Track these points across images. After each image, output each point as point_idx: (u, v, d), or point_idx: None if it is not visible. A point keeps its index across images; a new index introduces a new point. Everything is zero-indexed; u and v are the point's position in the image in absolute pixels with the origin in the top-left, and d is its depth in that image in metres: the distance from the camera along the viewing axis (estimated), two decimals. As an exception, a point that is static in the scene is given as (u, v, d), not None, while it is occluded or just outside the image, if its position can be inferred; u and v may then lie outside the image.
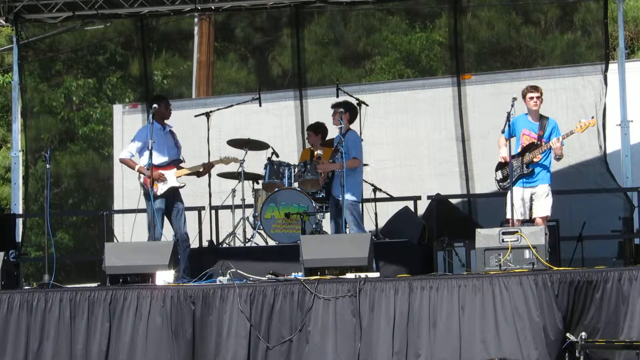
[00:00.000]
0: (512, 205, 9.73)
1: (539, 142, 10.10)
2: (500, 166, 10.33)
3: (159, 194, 10.71)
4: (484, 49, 19.70)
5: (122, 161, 10.99)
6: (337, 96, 11.84)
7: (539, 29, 20.41)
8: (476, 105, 13.51)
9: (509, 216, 9.98)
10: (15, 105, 13.76)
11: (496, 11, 19.65)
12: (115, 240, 13.04)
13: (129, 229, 14.13)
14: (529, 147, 10.08)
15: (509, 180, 10.11)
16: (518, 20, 20.17)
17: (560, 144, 10.04)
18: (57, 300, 9.30)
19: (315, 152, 11.18)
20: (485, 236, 9.15)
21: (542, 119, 10.21)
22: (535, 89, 10.22)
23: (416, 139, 13.85)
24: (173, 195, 10.83)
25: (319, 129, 12.10)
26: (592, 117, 10.19)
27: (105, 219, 13.07)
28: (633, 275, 8.49)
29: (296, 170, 11.68)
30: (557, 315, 8.44)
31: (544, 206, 10.08)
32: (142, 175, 10.77)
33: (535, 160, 10.07)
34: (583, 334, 8.35)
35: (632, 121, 12.02)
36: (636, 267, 9.18)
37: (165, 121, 11.03)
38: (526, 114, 10.25)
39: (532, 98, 10.17)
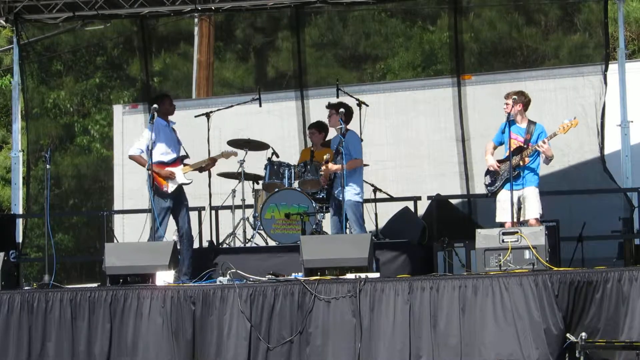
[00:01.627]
0: (512, 204, 9.74)
1: (525, 146, 10.08)
2: (489, 171, 10.33)
3: (169, 192, 10.67)
4: (485, 50, 19.69)
5: (132, 158, 10.83)
6: (337, 96, 11.84)
7: (540, 30, 20.40)
8: (476, 105, 13.50)
9: (499, 219, 9.99)
10: (16, 106, 13.78)
11: (497, 12, 19.63)
12: (115, 240, 13.04)
13: (129, 229, 14.18)
14: (516, 151, 10.05)
15: (496, 185, 10.14)
16: (519, 20, 20.16)
17: (548, 145, 9.99)
18: (57, 301, 9.32)
19: (325, 156, 11.12)
20: (485, 236, 9.15)
21: (529, 123, 10.20)
22: (506, 96, 10.20)
23: (416, 140, 13.85)
24: (180, 193, 10.84)
25: (322, 128, 12.11)
26: (575, 118, 10.11)
27: (105, 220, 13.07)
28: (633, 276, 8.50)
29: (296, 170, 11.68)
30: (558, 316, 8.44)
31: (533, 208, 10.04)
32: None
33: (522, 163, 10.06)
34: (583, 334, 8.35)
35: (632, 121, 12.02)
36: (636, 267, 9.18)
37: (170, 118, 11.01)
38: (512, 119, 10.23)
39: (504, 105, 10.15)
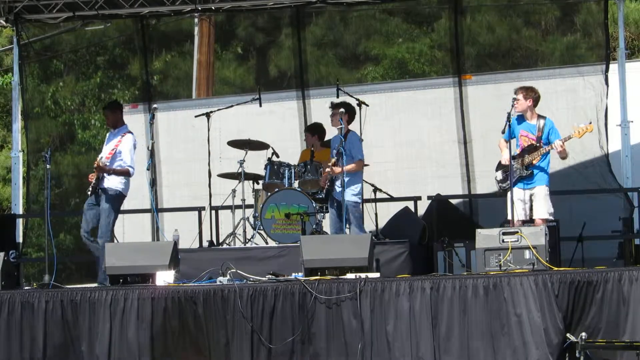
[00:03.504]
0: (513, 204, 9.73)
1: (538, 144, 10.08)
2: (501, 166, 10.32)
3: (89, 194, 10.93)
4: (484, 51, 19.68)
5: None
6: (338, 96, 11.83)
7: (539, 31, 20.40)
8: (477, 106, 13.50)
9: (510, 217, 9.99)
10: (16, 105, 13.79)
11: (496, 13, 19.62)
12: (115, 240, 13.03)
13: (129, 229, 14.18)
14: (529, 149, 10.05)
15: (508, 182, 10.12)
16: (518, 21, 20.15)
17: (564, 146, 10.02)
18: (57, 301, 9.31)
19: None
20: (486, 236, 9.15)
21: (539, 119, 10.19)
22: (516, 91, 10.21)
23: (418, 141, 13.83)
24: (100, 195, 10.90)
25: (315, 130, 12.11)
26: (590, 123, 10.13)
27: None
28: (633, 276, 8.50)
29: (296, 170, 11.68)
30: (558, 316, 8.44)
31: (543, 207, 10.06)
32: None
33: (534, 162, 10.06)
34: (583, 334, 8.35)
35: (632, 121, 12.03)
36: (636, 267, 9.18)
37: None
38: (521, 115, 10.22)
39: (512, 100, 10.15)
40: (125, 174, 10.91)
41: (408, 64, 20.76)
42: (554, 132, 10.10)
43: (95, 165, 10.78)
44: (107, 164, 10.80)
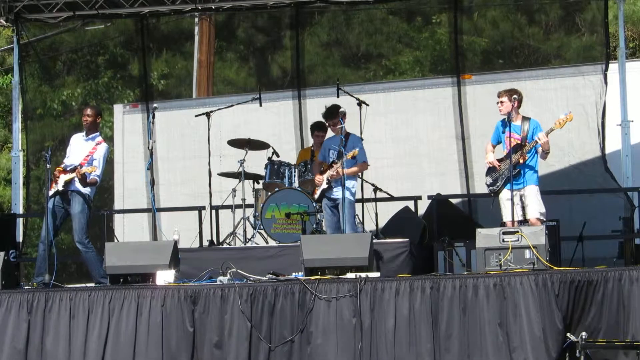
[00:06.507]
0: (512, 203, 9.74)
1: (523, 143, 10.09)
2: (490, 171, 10.34)
3: (50, 194, 10.56)
4: (488, 49, 19.69)
5: None
6: (338, 96, 11.81)
7: (541, 29, 20.41)
8: (476, 103, 13.51)
9: (505, 219, 10.00)
10: (16, 105, 13.79)
11: (500, 11, 19.64)
12: (115, 240, 13.04)
13: (129, 229, 14.17)
14: (515, 149, 10.06)
15: (497, 184, 10.15)
16: (522, 20, 20.17)
17: (547, 138, 10.02)
18: (57, 300, 9.30)
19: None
20: (486, 236, 9.15)
21: (523, 120, 10.22)
22: (499, 94, 10.23)
23: (416, 138, 13.84)
24: (67, 199, 10.67)
25: (326, 128, 12.13)
26: (570, 112, 10.12)
27: (106, 219, 13.06)
28: (633, 276, 8.50)
29: (297, 170, 11.68)
30: (557, 315, 8.44)
31: (534, 207, 10.05)
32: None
33: (521, 161, 10.07)
34: (583, 333, 8.35)
35: (632, 121, 12.03)
36: (636, 267, 9.17)
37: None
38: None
39: (497, 103, 10.20)
40: (94, 184, 10.70)
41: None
42: (539, 129, 10.11)
43: (77, 175, 10.49)
44: (91, 175, 10.56)
